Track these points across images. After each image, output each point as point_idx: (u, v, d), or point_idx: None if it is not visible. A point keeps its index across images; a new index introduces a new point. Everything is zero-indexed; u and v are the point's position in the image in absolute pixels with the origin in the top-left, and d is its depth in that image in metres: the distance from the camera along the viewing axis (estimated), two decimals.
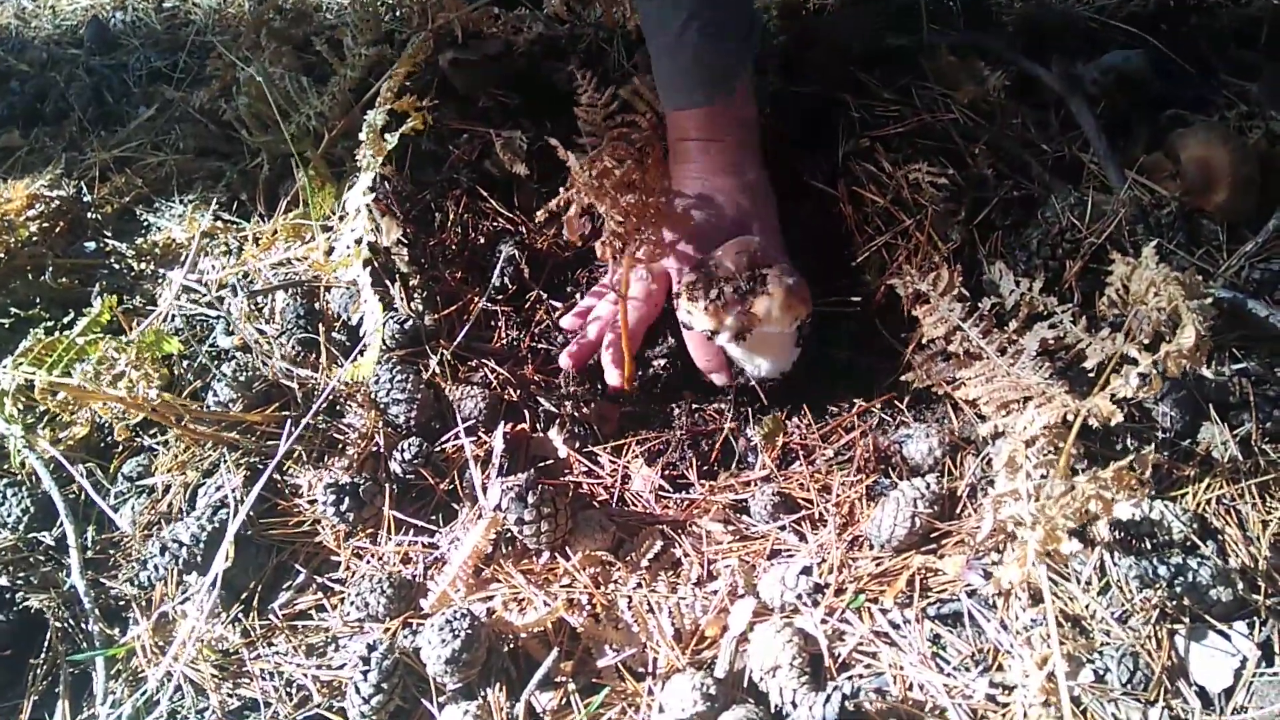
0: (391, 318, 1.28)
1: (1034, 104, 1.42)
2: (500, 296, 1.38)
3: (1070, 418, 0.97)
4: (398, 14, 1.82)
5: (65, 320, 1.30)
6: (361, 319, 1.22)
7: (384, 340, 1.24)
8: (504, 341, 1.34)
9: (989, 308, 1.14)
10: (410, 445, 1.14)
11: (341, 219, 1.41)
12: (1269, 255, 1.25)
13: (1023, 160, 1.33)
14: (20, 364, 1.19)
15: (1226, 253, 1.27)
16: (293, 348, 1.27)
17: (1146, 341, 1.01)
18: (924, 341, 1.17)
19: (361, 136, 1.25)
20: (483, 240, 1.44)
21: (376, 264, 1.35)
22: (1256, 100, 1.39)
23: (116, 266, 1.44)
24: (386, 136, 1.30)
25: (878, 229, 1.32)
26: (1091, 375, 1.00)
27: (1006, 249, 1.26)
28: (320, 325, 1.29)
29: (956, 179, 1.28)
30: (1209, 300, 0.97)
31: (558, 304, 1.39)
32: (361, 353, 1.18)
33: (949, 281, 1.17)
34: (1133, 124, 1.41)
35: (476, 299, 1.37)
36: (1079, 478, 0.86)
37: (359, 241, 1.23)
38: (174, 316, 1.36)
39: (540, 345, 1.35)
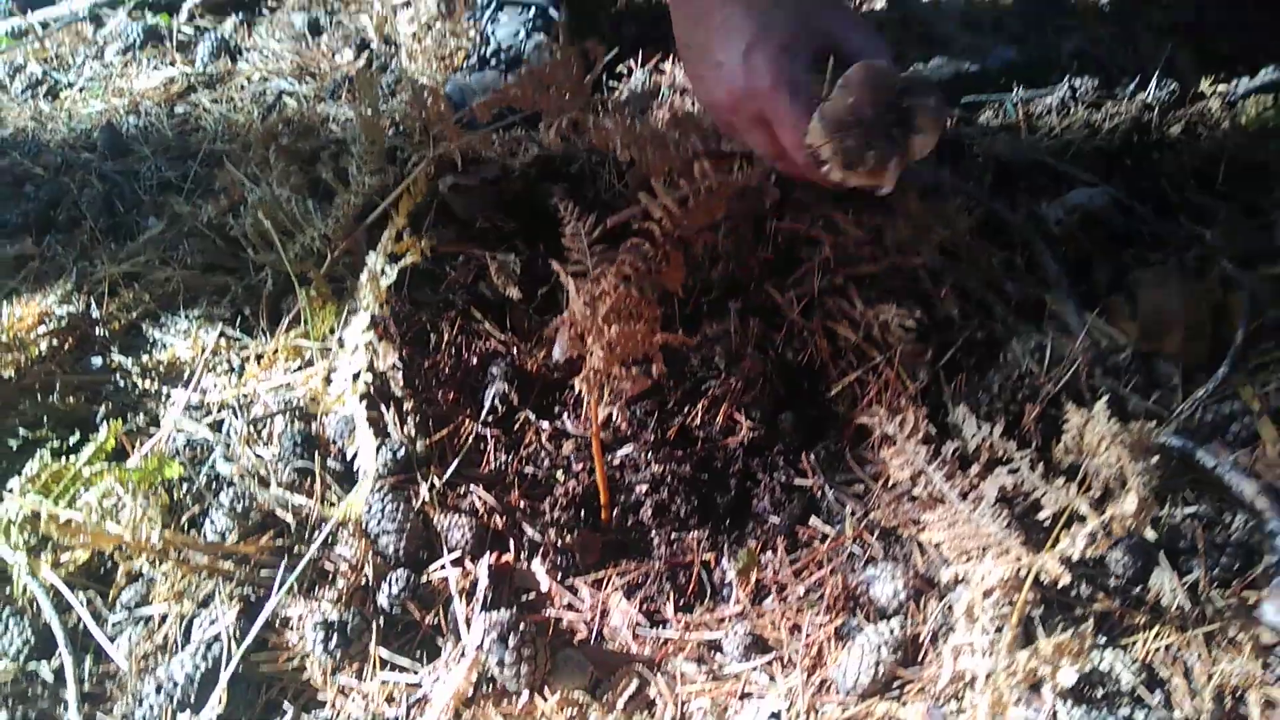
0: (385, 444, 1.33)
1: (1001, 244, 1.49)
2: (490, 419, 1.44)
3: (1023, 574, 1.02)
4: (400, 128, 1.90)
5: (72, 441, 1.36)
6: (357, 452, 1.28)
7: (377, 469, 1.29)
8: (492, 466, 1.40)
9: (952, 451, 1.20)
10: (397, 579, 1.19)
11: (341, 343, 1.47)
12: (1221, 397, 1.32)
13: (987, 302, 1.40)
14: (27, 491, 1.24)
15: (1183, 394, 1.34)
16: (289, 475, 1.33)
17: (1098, 496, 1.07)
18: (890, 484, 1.23)
19: (362, 279, 1.32)
20: (475, 361, 1.50)
21: (372, 390, 1.41)
22: (1212, 244, 1.46)
23: (121, 384, 1.50)
24: (386, 270, 1.38)
25: (850, 364, 1.39)
26: (1047, 525, 1.06)
27: (970, 390, 1.32)
28: (316, 452, 1.35)
29: (924, 320, 1.35)
30: (1154, 460, 1.03)
31: (546, 424, 1.45)
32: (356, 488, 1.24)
33: (914, 424, 1.23)
34: (1094, 262, 1.49)
35: (468, 421, 1.43)
36: (1021, 652, 0.91)
37: (356, 377, 1.29)
38: (175, 438, 1.41)
39: (528, 469, 1.40)
